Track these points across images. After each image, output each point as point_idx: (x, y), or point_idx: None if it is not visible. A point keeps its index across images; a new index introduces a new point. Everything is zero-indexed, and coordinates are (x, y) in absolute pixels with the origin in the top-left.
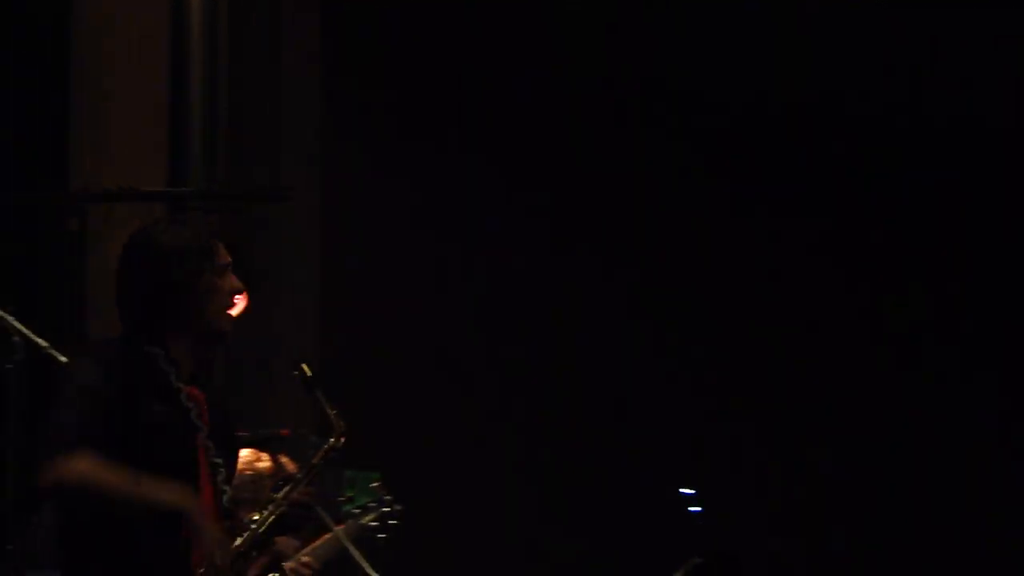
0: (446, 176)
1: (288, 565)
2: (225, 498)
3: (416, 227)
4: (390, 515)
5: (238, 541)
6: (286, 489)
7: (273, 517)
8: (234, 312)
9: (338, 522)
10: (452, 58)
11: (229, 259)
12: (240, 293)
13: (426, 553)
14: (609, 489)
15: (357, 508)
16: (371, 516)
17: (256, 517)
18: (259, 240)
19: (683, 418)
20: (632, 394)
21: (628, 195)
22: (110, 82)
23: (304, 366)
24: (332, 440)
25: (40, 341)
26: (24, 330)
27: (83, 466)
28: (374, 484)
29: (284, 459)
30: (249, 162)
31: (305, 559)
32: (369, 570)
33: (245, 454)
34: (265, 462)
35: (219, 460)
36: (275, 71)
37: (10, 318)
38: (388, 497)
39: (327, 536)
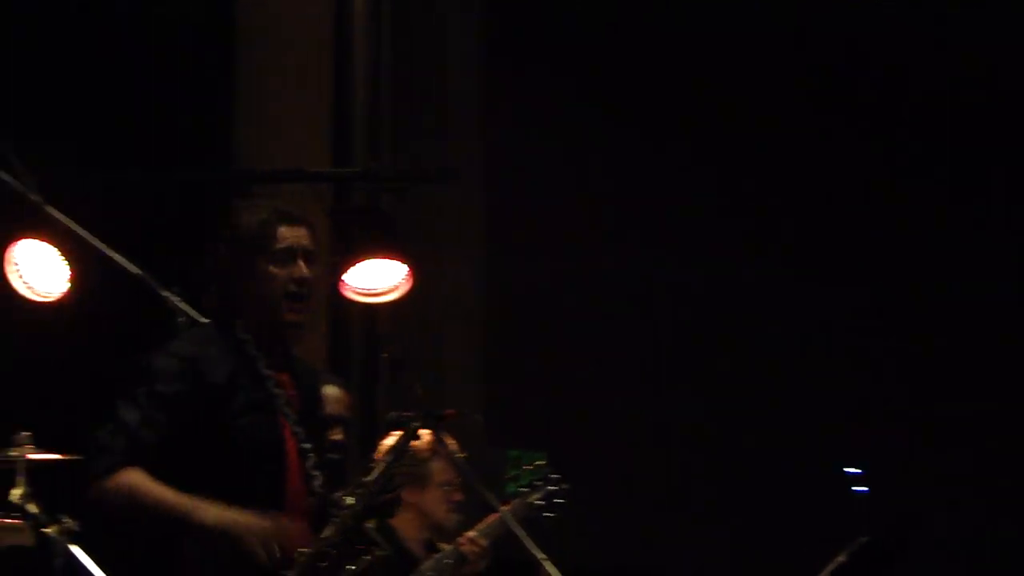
0: (608, 153)
1: (459, 542)
2: (316, 483)
3: (579, 204)
4: (556, 494)
5: (330, 530)
6: (374, 474)
7: (364, 502)
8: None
9: (504, 502)
10: (613, 36)
11: (294, 244)
12: (303, 282)
13: (591, 532)
14: (774, 467)
15: (523, 487)
16: (537, 495)
17: (349, 501)
18: (423, 220)
19: (851, 395)
20: (799, 371)
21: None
22: (274, 61)
23: (391, 350)
24: (414, 425)
25: (204, 321)
26: (189, 310)
27: (130, 482)
28: (540, 463)
29: (449, 439)
30: (413, 142)
31: (474, 536)
32: (534, 549)
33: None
34: (423, 441)
35: (308, 445)
36: (438, 50)
37: (175, 298)
38: (554, 475)
39: (495, 516)
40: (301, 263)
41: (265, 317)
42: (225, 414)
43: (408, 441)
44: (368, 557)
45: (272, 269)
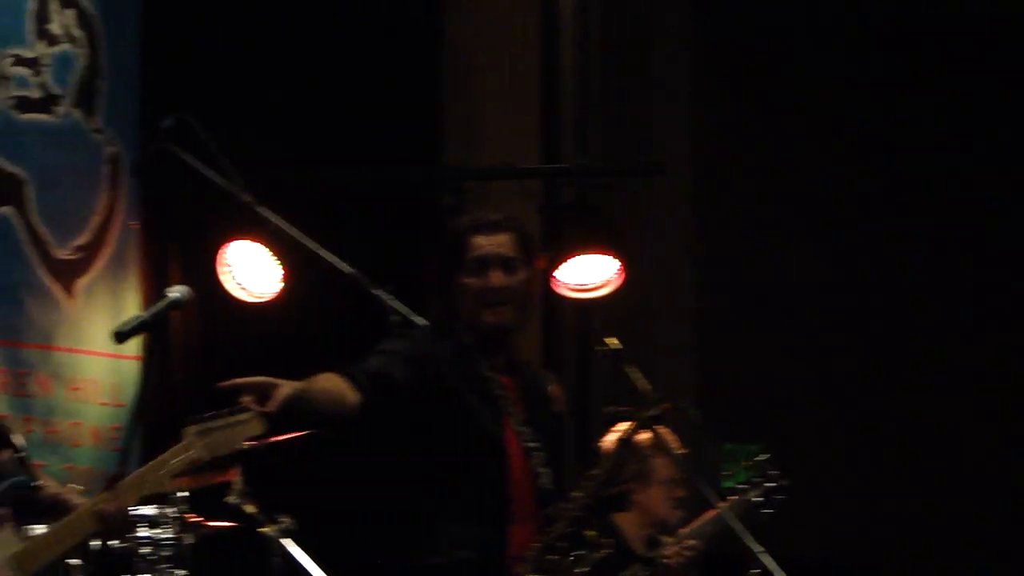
0: (818, 144)
1: (671, 550)
2: (543, 480)
3: (787, 197)
4: (776, 490)
5: (558, 525)
6: (601, 469)
7: (589, 498)
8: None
9: (722, 499)
10: (821, 26)
11: (489, 254)
12: (496, 291)
13: (807, 524)
14: (991, 461)
15: (741, 483)
16: (756, 491)
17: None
18: (633, 215)
19: None
20: (1018, 365)
21: None
22: (483, 58)
23: (610, 340)
24: (642, 417)
25: (419, 319)
26: (402, 308)
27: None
28: (758, 457)
29: (665, 433)
30: (621, 137)
31: (689, 541)
32: (755, 547)
33: (622, 428)
34: (645, 437)
35: (534, 444)
36: (646, 44)
37: (388, 296)
38: (773, 471)
39: (710, 514)
40: (496, 272)
41: (470, 324)
42: (450, 413)
43: (634, 435)
44: (596, 553)
45: (466, 280)
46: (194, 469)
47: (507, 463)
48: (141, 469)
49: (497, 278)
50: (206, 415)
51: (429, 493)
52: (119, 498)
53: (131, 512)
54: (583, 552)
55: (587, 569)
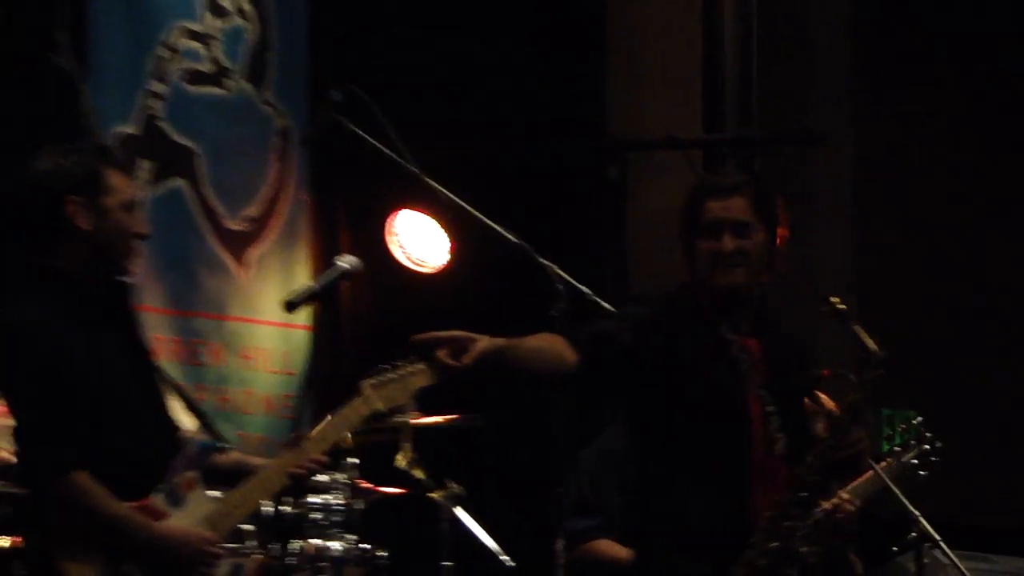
0: (980, 114)
1: (828, 504)
2: (778, 446)
3: (948, 163)
4: (931, 453)
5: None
6: (832, 432)
7: (823, 461)
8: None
9: (878, 460)
10: None
11: (721, 217)
12: (727, 255)
13: (963, 488)
14: None
15: (897, 446)
16: (911, 454)
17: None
18: (793, 184)
19: None
20: None
21: None
22: (645, 31)
23: (834, 299)
24: (871, 374)
25: (584, 289)
26: (567, 278)
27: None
28: (914, 421)
29: (825, 399)
30: (782, 106)
31: (846, 497)
32: (911, 508)
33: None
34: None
35: (772, 409)
36: (805, 14)
37: (553, 266)
38: (928, 434)
39: (867, 475)
40: (728, 235)
41: (706, 287)
42: (683, 378)
43: (863, 397)
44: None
45: (701, 244)
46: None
47: (748, 428)
48: (322, 424)
49: (728, 241)
50: (380, 368)
51: (661, 460)
52: (305, 453)
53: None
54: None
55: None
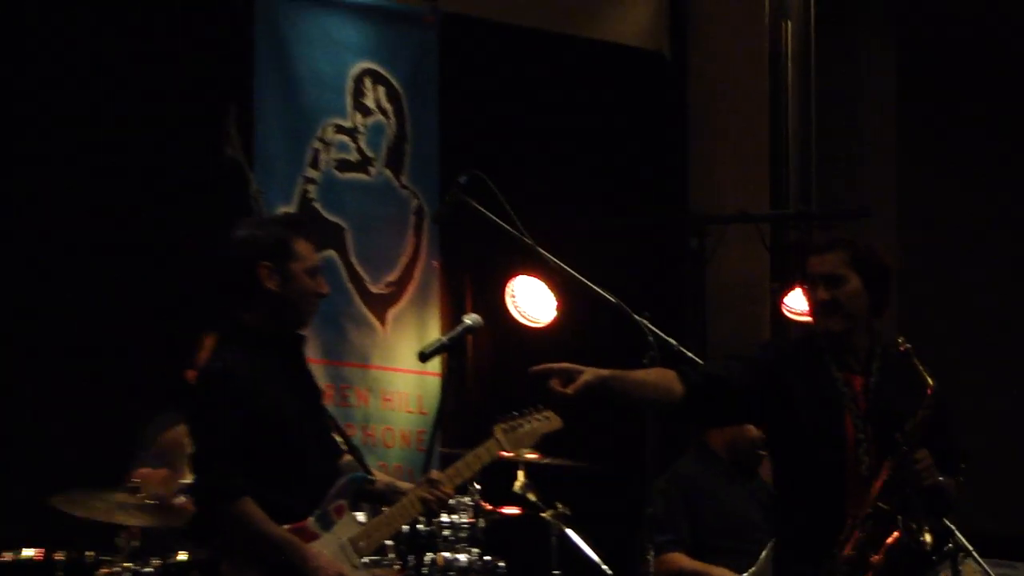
0: (1012, 189)
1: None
2: (862, 467)
3: (990, 244)
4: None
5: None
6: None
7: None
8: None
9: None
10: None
11: (815, 271)
12: (821, 304)
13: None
14: None
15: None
16: None
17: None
18: None
19: None
20: None
21: None
22: (721, 121)
23: (900, 339)
24: (928, 403)
25: (671, 340)
26: (657, 331)
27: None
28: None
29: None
30: (836, 184)
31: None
32: (947, 523)
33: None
34: None
35: (862, 436)
36: (856, 106)
37: (646, 322)
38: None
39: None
40: (821, 287)
41: (816, 332)
42: (795, 408)
43: (924, 427)
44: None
45: (808, 294)
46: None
47: (842, 451)
48: (458, 463)
49: (822, 292)
50: (512, 414)
51: (783, 477)
52: (439, 489)
53: (447, 498)
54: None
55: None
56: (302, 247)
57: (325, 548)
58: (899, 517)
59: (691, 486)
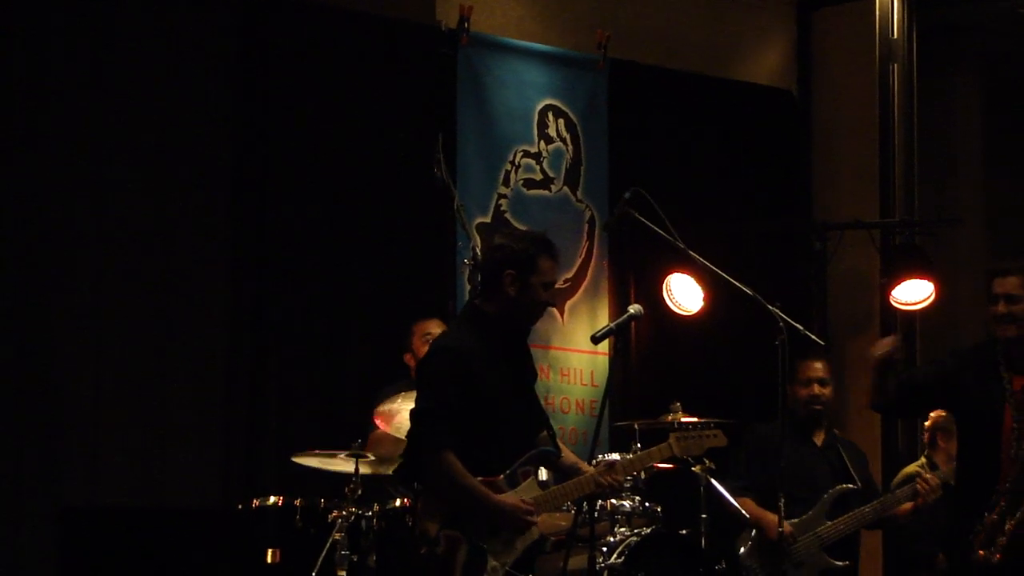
0: None
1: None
2: (1014, 451)
3: None
4: None
5: None
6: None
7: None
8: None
9: None
10: None
11: (998, 291)
12: (1000, 316)
13: None
14: None
15: None
16: None
17: None
18: (946, 253)
19: None
20: None
21: None
22: (839, 144)
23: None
24: None
25: (797, 326)
26: (786, 318)
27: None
28: None
29: None
30: (934, 193)
31: None
32: None
33: None
34: None
35: (1016, 425)
36: (950, 123)
37: (777, 310)
38: None
39: None
40: (1003, 303)
41: (996, 339)
42: (968, 400)
43: None
44: None
45: (990, 308)
46: (667, 460)
47: (999, 436)
48: (632, 457)
49: (1001, 307)
50: (687, 425)
51: (960, 455)
52: (614, 474)
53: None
54: None
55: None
56: (545, 263)
57: (510, 497)
58: None
59: (764, 442)
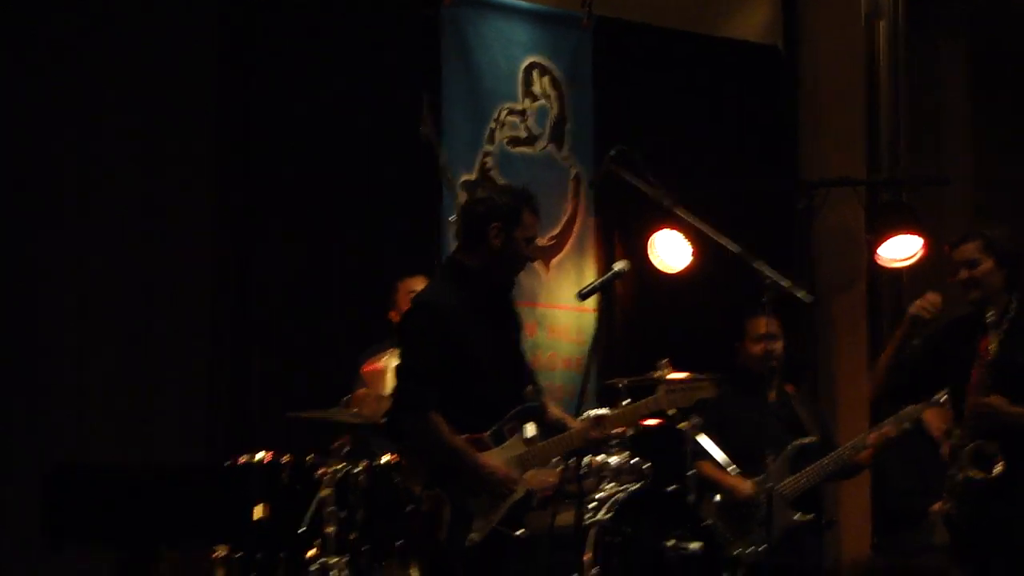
0: None
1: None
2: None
3: None
4: None
5: None
6: None
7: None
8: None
9: None
10: None
11: (956, 258)
12: (963, 283)
13: None
14: None
15: None
16: None
17: None
18: (932, 209)
19: None
20: None
21: None
22: (825, 101)
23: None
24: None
25: (783, 282)
26: (773, 275)
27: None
28: None
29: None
30: (920, 153)
31: None
32: None
33: None
34: None
35: (987, 377)
36: (937, 82)
37: (763, 267)
38: None
39: None
40: (963, 270)
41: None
42: (949, 359)
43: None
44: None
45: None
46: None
47: (962, 391)
48: (619, 409)
49: (964, 273)
50: (675, 379)
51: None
52: (603, 429)
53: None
54: None
55: None
56: (528, 218)
57: (495, 458)
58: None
59: (717, 406)
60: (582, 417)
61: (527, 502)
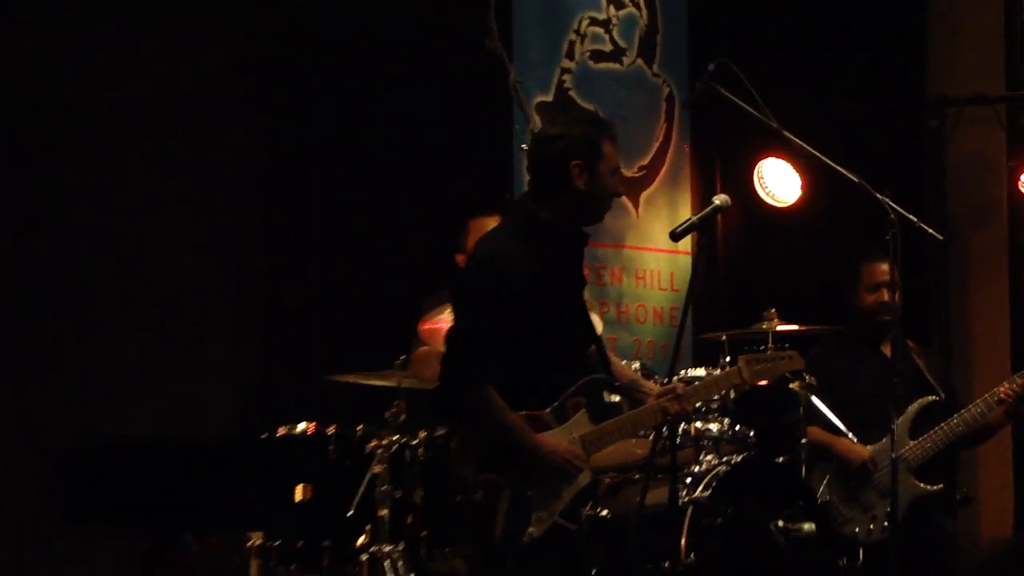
0: None
1: None
2: None
3: None
4: None
5: None
6: None
7: None
8: None
9: None
10: None
11: None
12: None
13: None
14: None
15: None
16: None
17: None
18: None
19: None
20: None
21: None
22: (958, 7)
23: None
24: None
25: (911, 217)
26: (898, 209)
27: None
28: None
29: None
30: None
31: None
32: None
33: None
34: None
35: None
36: None
37: (887, 200)
38: None
39: None
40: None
41: None
42: None
43: None
44: None
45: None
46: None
47: None
48: (700, 383)
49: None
50: (758, 348)
51: None
52: (682, 402)
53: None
54: None
55: None
56: (608, 148)
57: (556, 438)
58: None
59: (824, 362)
60: (665, 382)
61: (592, 491)
